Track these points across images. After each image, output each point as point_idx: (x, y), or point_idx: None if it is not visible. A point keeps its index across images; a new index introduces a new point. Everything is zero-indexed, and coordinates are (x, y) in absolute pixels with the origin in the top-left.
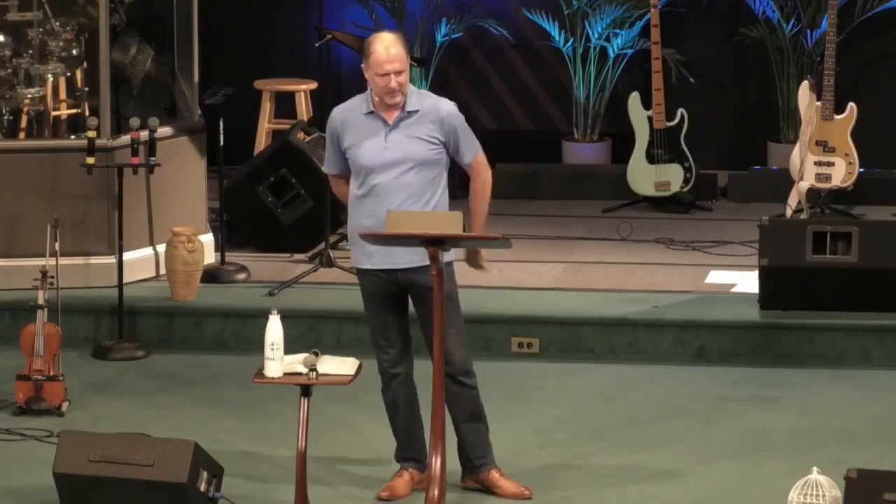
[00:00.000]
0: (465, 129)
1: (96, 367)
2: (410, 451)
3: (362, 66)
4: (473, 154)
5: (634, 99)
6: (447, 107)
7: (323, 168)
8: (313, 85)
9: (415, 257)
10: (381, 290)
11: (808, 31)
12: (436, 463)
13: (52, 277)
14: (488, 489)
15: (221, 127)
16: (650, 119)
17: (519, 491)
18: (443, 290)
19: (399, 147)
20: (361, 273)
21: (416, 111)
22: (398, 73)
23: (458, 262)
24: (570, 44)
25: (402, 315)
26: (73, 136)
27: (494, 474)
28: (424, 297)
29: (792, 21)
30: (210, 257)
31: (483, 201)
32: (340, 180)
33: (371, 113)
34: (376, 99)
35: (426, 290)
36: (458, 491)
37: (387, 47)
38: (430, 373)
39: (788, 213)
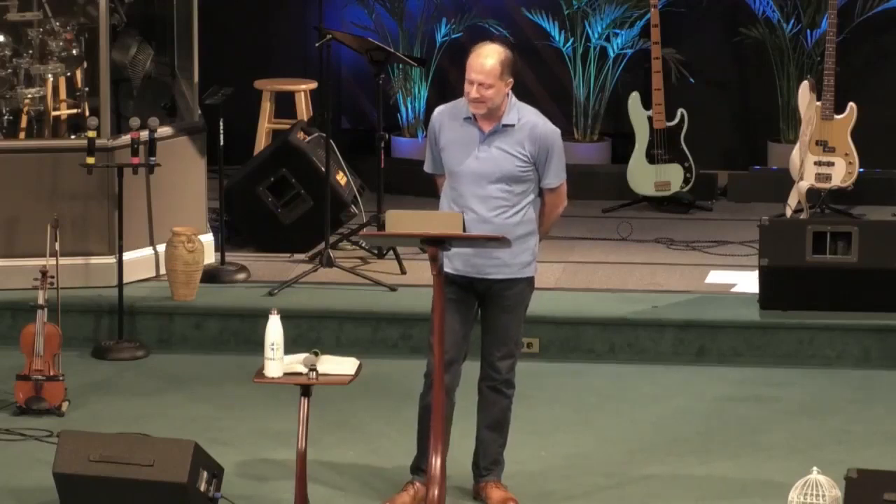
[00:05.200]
0: (558, 154)
1: (96, 367)
2: (426, 464)
3: None
4: (556, 183)
5: (634, 99)
6: (544, 127)
7: (424, 168)
8: (313, 85)
9: (496, 270)
10: (453, 292)
11: (808, 31)
12: (436, 463)
13: (52, 277)
14: (482, 500)
15: (221, 127)
16: (650, 119)
17: (503, 499)
18: (442, 290)
19: (489, 159)
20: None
21: (512, 125)
22: (482, 85)
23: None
24: (570, 44)
25: (464, 325)
26: (73, 136)
27: (491, 486)
28: (494, 305)
29: (792, 21)
30: (210, 257)
31: (546, 221)
32: (442, 179)
33: (469, 118)
34: None
35: (498, 299)
36: (458, 491)
37: (481, 57)
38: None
39: (788, 213)
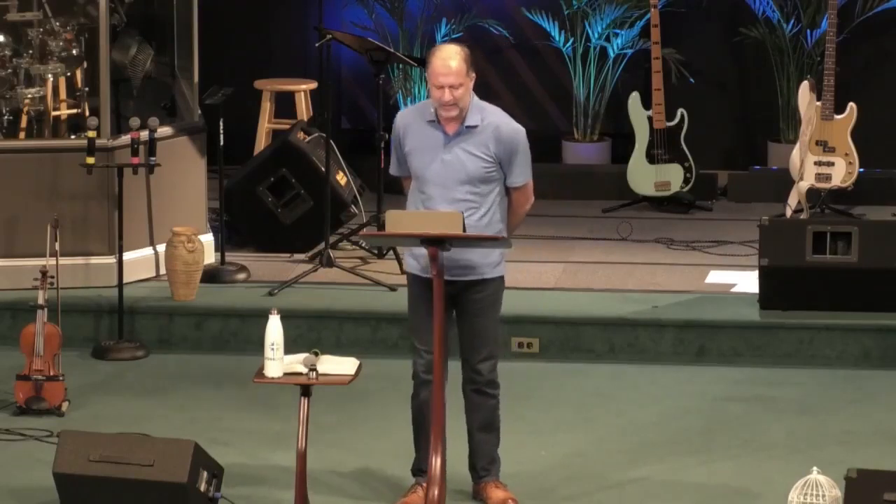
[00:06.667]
0: (524, 154)
1: (96, 367)
2: (426, 464)
3: (426, 74)
4: (521, 182)
5: (634, 99)
6: (508, 128)
7: (389, 171)
8: (313, 85)
9: (465, 272)
10: (427, 295)
11: (808, 31)
12: (436, 463)
13: (52, 277)
14: (482, 500)
15: (221, 127)
16: (650, 119)
17: (504, 498)
18: (443, 291)
19: (455, 161)
20: (411, 276)
21: (475, 126)
22: (453, 87)
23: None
24: (570, 44)
25: (444, 322)
26: (73, 136)
27: (491, 486)
28: (469, 309)
29: (792, 21)
30: (210, 257)
31: (513, 219)
32: (408, 182)
33: (433, 122)
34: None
35: (472, 303)
36: (457, 491)
37: (444, 59)
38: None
39: (788, 213)
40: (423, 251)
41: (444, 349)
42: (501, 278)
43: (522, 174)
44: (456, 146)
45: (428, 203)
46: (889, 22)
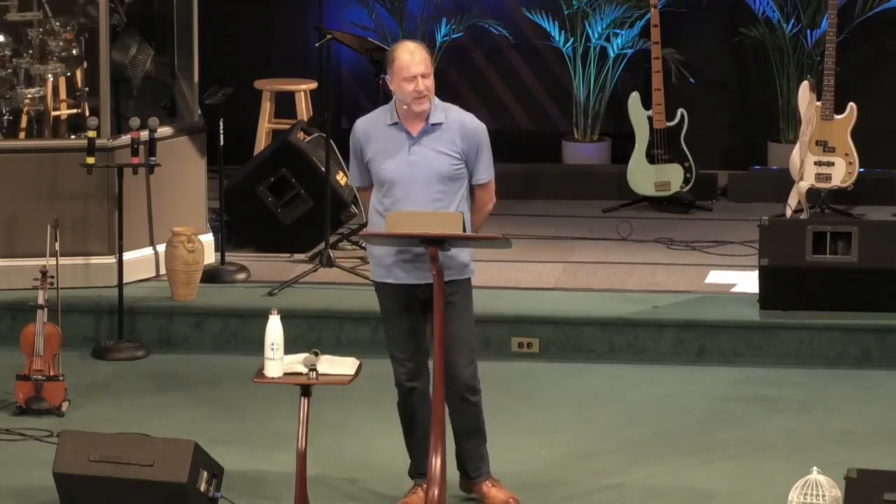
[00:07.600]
0: (487, 149)
1: (96, 367)
2: (425, 467)
3: (386, 77)
4: (486, 178)
5: (634, 99)
6: (472, 123)
7: (348, 181)
8: (313, 85)
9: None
10: (400, 302)
11: (808, 31)
12: (436, 463)
13: (52, 277)
14: (480, 500)
15: (221, 127)
16: (650, 119)
17: (505, 499)
18: (443, 292)
19: (422, 160)
20: (380, 286)
21: (440, 124)
22: (424, 76)
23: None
24: (570, 44)
25: (420, 328)
26: (73, 136)
27: (486, 485)
28: (445, 311)
29: (792, 21)
30: (210, 257)
31: (477, 219)
32: (369, 192)
33: (395, 124)
34: (403, 109)
35: (448, 305)
36: (457, 496)
37: (411, 52)
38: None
39: (788, 213)
40: (389, 258)
41: (443, 350)
42: (470, 280)
43: (487, 170)
44: (422, 145)
45: (395, 206)
46: (889, 22)
